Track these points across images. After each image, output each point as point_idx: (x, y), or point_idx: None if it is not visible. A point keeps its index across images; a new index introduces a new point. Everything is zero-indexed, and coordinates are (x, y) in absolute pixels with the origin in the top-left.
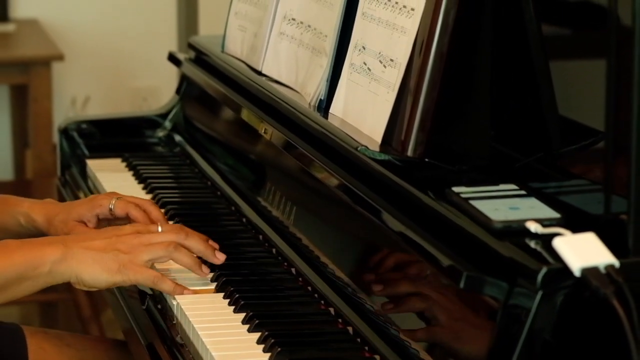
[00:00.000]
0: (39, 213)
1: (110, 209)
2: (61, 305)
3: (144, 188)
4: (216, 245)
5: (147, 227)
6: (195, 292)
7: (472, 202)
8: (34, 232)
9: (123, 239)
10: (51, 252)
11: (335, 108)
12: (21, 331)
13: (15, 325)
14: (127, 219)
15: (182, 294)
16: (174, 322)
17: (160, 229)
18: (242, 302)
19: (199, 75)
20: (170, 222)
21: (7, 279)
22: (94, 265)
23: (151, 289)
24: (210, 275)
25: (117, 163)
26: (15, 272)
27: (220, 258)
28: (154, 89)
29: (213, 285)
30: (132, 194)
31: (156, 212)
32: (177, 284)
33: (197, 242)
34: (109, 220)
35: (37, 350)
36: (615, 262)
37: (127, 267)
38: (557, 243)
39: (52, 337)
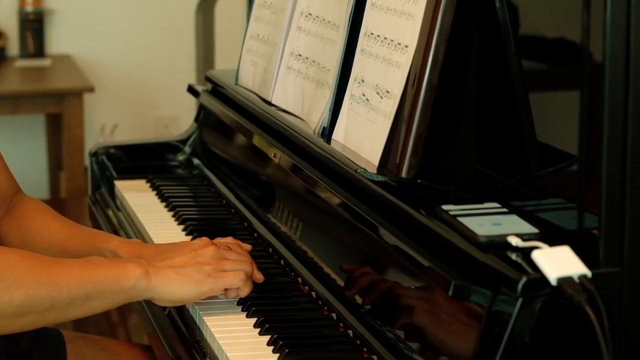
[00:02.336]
0: (126, 253)
1: None
2: None
3: (166, 206)
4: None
5: (223, 251)
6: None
7: (460, 219)
8: None
9: (201, 252)
10: (135, 269)
11: (337, 134)
12: (61, 336)
13: (56, 331)
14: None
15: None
16: (193, 326)
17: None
18: (254, 308)
19: (215, 105)
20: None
21: (92, 289)
22: (179, 279)
23: None
24: None
25: (142, 184)
26: (100, 284)
27: (261, 277)
28: (175, 117)
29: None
30: (155, 212)
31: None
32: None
33: (258, 275)
34: None
35: (75, 354)
36: (588, 273)
37: (212, 275)
38: (535, 255)
39: (89, 342)
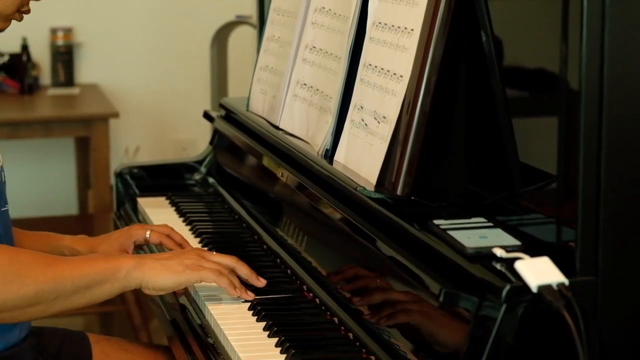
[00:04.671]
0: (81, 245)
1: (146, 238)
2: (117, 315)
3: (184, 221)
4: (263, 282)
5: (204, 251)
6: (243, 295)
7: (449, 232)
8: None
9: (187, 254)
10: (127, 261)
11: (339, 156)
12: (87, 338)
13: (82, 333)
14: (160, 246)
15: (235, 293)
16: (208, 329)
17: (215, 253)
18: (264, 313)
19: (228, 130)
20: (200, 247)
21: (92, 280)
22: (162, 269)
23: (190, 304)
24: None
25: (162, 200)
26: (98, 275)
27: (262, 282)
28: (192, 140)
29: (240, 299)
30: (174, 226)
31: (179, 236)
32: (232, 282)
33: (245, 268)
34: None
35: (100, 354)
36: (566, 281)
37: (191, 268)
38: (518, 265)
39: (113, 343)
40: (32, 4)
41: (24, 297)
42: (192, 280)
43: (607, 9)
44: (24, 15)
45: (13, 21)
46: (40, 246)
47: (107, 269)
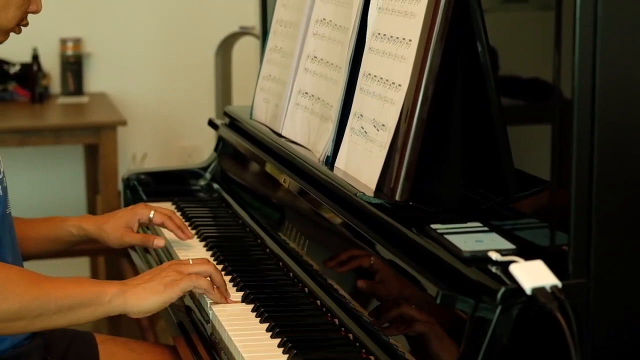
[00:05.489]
0: (88, 223)
1: (150, 218)
2: (124, 316)
3: (189, 225)
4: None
5: (180, 262)
6: (223, 296)
7: (446, 236)
8: (85, 240)
9: (165, 272)
10: (112, 287)
11: (339, 163)
12: (94, 338)
13: (89, 334)
14: (162, 226)
15: (215, 297)
16: (213, 330)
17: (191, 261)
18: (266, 315)
19: (232, 137)
20: (202, 243)
21: (75, 302)
22: (145, 292)
23: (196, 306)
24: (242, 293)
25: (168, 206)
26: (82, 298)
27: (228, 297)
28: (197, 147)
29: (244, 301)
30: None
31: (179, 220)
32: (210, 282)
33: (219, 278)
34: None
35: (107, 354)
36: (559, 283)
37: (171, 285)
38: (512, 268)
39: (119, 343)
40: (42, 16)
41: (7, 311)
42: (175, 296)
43: (599, 20)
44: (22, 28)
45: (24, 32)
46: (45, 230)
47: (91, 292)
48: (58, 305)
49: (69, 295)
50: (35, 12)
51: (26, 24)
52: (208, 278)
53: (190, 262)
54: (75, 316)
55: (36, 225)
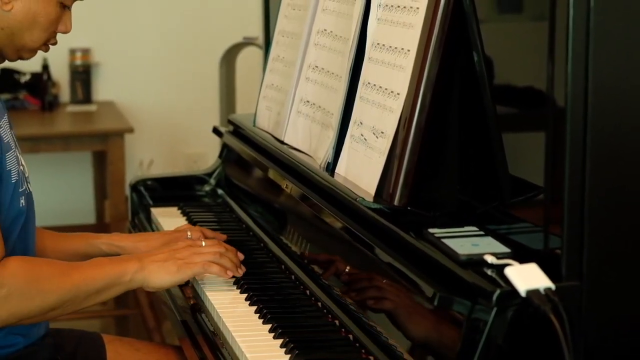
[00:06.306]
0: (122, 240)
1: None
2: (131, 318)
3: None
4: (241, 256)
5: (194, 242)
6: (234, 273)
7: (443, 240)
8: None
9: (179, 251)
10: (131, 266)
11: (340, 169)
12: (101, 339)
13: (96, 334)
14: None
15: (227, 276)
16: (217, 331)
17: (204, 243)
18: (269, 316)
19: (236, 144)
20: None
21: (102, 285)
22: (159, 271)
23: (199, 308)
24: (245, 294)
25: (174, 210)
26: (107, 280)
27: (241, 272)
28: (202, 154)
29: (247, 302)
30: None
31: (212, 234)
32: (220, 267)
33: (230, 257)
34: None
35: (114, 354)
36: (552, 286)
37: (183, 267)
38: (507, 271)
39: (125, 343)
40: None
41: (47, 307)
42: (186, 278)
43: (591, 31)
44: (50, 46)
45: None
46: (77, 245)
47: (114, 273)
48: (87, 292)
49: (96, 279)
50: (65, 32)
51: (54, 43)
52: (218, 264)
53: (203, 244)
54: (101, 297)
55: (67, 240)
